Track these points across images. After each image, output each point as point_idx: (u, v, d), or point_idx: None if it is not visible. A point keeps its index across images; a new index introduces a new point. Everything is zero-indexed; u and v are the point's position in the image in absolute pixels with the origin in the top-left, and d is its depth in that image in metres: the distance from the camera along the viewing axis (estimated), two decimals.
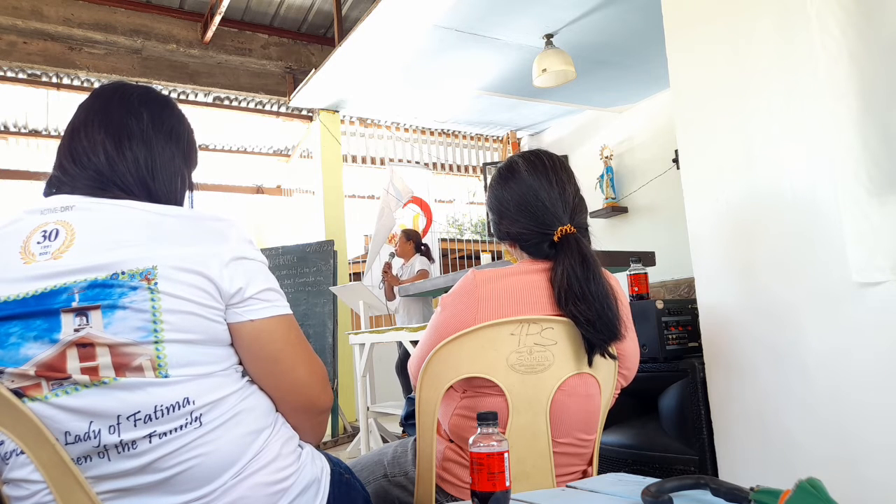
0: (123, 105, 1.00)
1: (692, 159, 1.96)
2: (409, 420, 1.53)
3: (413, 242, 5.13)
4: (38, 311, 0.83)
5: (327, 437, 4.82)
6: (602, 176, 6.05)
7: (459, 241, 8.57)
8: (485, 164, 7.18)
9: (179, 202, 1.04)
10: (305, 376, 0.98)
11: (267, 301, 0.94)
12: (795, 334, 1.66)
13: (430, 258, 5.19)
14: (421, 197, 6.36)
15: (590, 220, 1.35)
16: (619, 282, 1.34)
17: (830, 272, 1.58)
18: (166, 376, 0.85)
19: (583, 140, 6.60)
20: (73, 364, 0.83)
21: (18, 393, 0.84)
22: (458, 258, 7.86)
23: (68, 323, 0.83)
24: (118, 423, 0.83)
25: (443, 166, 7.13)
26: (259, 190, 7.65)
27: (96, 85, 5.27)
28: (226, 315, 0.91)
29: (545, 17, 4.36)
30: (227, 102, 6.02)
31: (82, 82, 5.30)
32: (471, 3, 4.09)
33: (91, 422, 0.83)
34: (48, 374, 0.83)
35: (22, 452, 0.83)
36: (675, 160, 5.05)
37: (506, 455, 0.89)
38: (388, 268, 4.96)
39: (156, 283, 0.85)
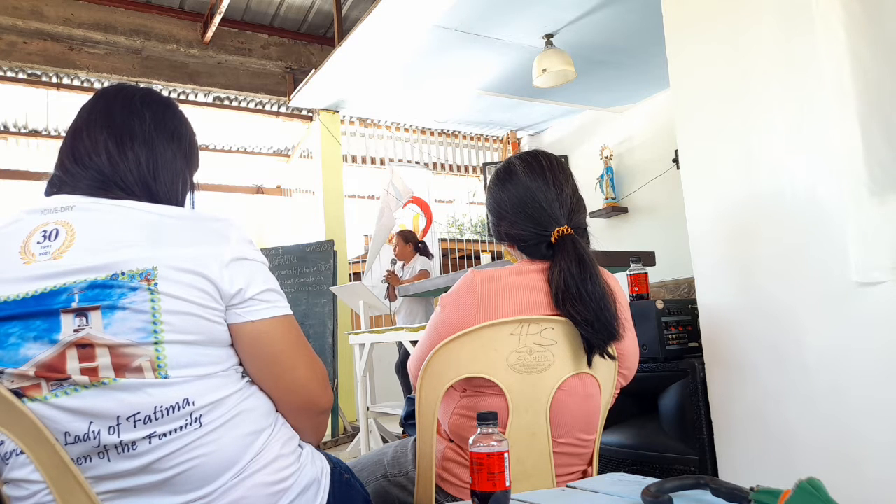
0: (126, 106, 1.00)
1: (692, 159, 1.96)
2: (409, 420, 1.53)
3: (412, 244, 5.13)
4: (38, 311, 0.83)
5: (327, 437, 4.82)
6: (602, 176, 6.05)
7: (459, 241, 8.58)
8: (485, 164, 7.19)
9: (181, 203, 1.04)
10: (305, 377, 0.98)
11: (267, 302, 0.94)
12: (795, 334, 1.66)
13: (429, 255, 5.20)
14: (421, 197, 6.36)
15: (589, 220, 1.35)
16: (619, 282, 1.34)
17: (831, 272, 1.58)
18: (166, 377, 0.85)
19: (583, 140, 6.60)
20: (72, 365, 0.83)
21: (18, 393, 0.84)
22: (458, 258, 7.87)
23: (68, 323, 0.83)
24: (118, 424, 0.83)
25: (443, 166, 7.13)
26: (259, 190, 7.65)
27: (96, 85, 5.28)
28: (226, 316, 0.91)
29: (545, 17, 4.36)
30: (227, 102, 6.02)
31: (82, 82, 5.30)
32: (471, 3, 4.09)
33: (91, 422, 0.83)
34: (48, 375, 0.83)
35: (22, 452, 0.83)
36: (675, 160, 5.05)
37: (506, 455, 0.89)
38: (391, 274, 4.98)
39: (156, 284, 0.85)
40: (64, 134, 1.01)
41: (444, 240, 7.39)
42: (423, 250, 5.19)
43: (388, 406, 4.26)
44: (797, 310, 1.66)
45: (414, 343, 3.32)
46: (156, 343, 0.84)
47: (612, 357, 1.24)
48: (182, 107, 1.09)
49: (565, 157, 6.53)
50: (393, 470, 1.37)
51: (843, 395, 1.56)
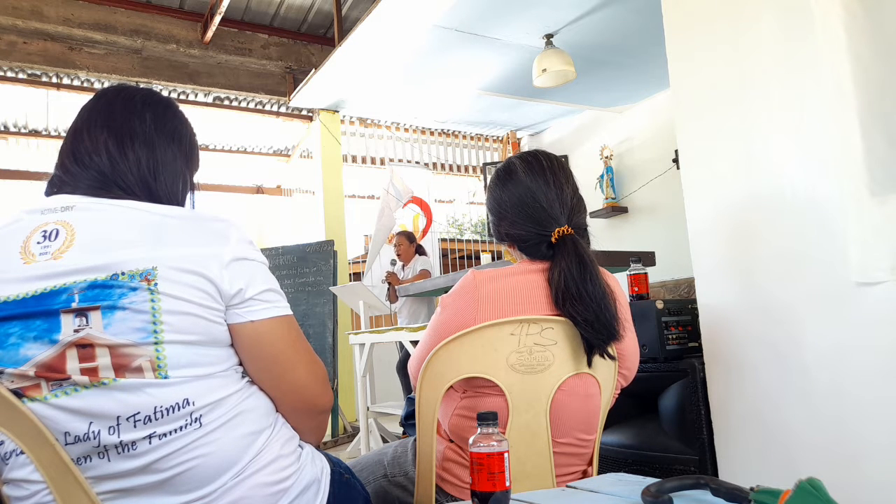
0: (126, 106, 1.00)
1: (692, 159, 1.96)
2: (409, 420, 1.53)
3: (414, 244, 5.17)
4: (38, 311, 0.83)
5: (327, 437, 4.82)
6: (602, 176, 6.05)
7: (459, 241, 8.58)
8: (485, 164, 7.19)
9: (181, 203, 1.04)
10: (305, 377, 0.98)
11: (267, 302, 0.94)
12: (795, 334, 1.66)
13: (426, 254, 5.23)
14: (421, 197, 6.36)
15: (589, 220, 1.35)
16: (619, 282, 1.34)
17: (830, 271, 1.58)
18: (166, 377, 0.85)
19: (583, 140, 6.60)
20: (72, 365, 0.83)
21: (18, 393, 0.84)
22: (458, 258, 7.87)
23: (68, 323, 0.83)
24: (118, 424, 0.83)
25: (443, 166, 7.13)
26: (259, 190, 7.65)
27: (96, 85, 5.27)
28: (226, 316, 0.91)
29: (545, 17, 4.36)
30: (227, 102, 6.02)
31: (82, 82, 5.30)
32: (471, 3, 4.09)
33: (91, 422, 0.83)
34: (48, 375, 0.83)
35: (22, 452, 0.83)
36: (675, 160, 5.05)
37: (506, 455, 0.89)
38: (391, 276, 4.98)
39: (156, 284, 0.85)
40: (64, 134, 1.01)
41: (444, 240, 7.39)
42: (422, 250, 5.21)
43: (388, 406, 4.26)
44: (797, 310, 1.66)
45: (414, 343, 3.32)
46: (156, 343, 0.84)
47: (612, 357, 1.24)
48: (182, 107, 1.09)
49: (565, 157, 6.53)
50: (393, 470, 1.37)
51: (844, 394, 1.56)
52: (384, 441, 4.09)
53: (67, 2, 5.15)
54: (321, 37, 6.22)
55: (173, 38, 5.56)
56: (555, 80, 4.65)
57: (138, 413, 0.84)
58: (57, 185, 0.96)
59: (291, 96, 5.75)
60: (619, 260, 2.36)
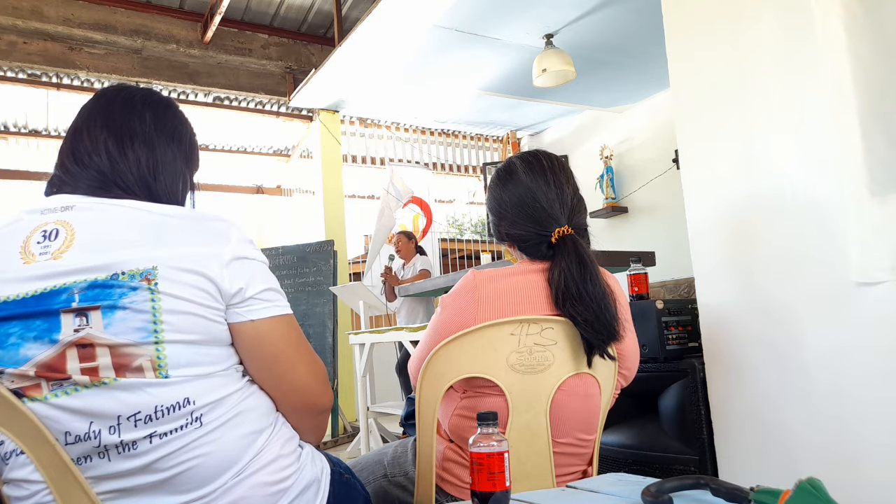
0: (126, 106, 1.00)
1: (692, 159, 1.96)
2: (409, 420, 1.53)
3: (413, 241, 5.17)
4: (38, 311, 0.83)
5: (327, 437, 4.82)
6: (602, 176, 6.05)
7: (459, 241, 8.58)
8: (485, 164, 7.19)
9: (181, 203, 1.04)
10: (306, 376, 0.98)
11: (267, 301, 0.94)
12: (795, 334, 1.66)
13: (424, 253, 5.24)
14: (421, 197, 6.36)
15: (589, 220, 1.35)
16: (619, 282, 1.34)
17: (830, 272, 1.58)
18: (166, 377, 0.85)
19: (583, 140, 6.60)
20: (72, 364, 0.83)
21: (18, 393, 0.84)
22: (458, 258, 7.87)
23: (68, 323, 0.83)
24: (118, 424, 0.83)
25: (443, 166, 7.13)
26: (259, 190, 7.65)
27: (96, 85, 5.27)
28: (226, 315, 0.91)
29: (545, 17, 4.37)
30: (227, 102, 6.02)
31: (82, 82, 5.30)
32: (471, 3, 4.09)
33: (91, 422, 0.83)
34: (48, 375, 0.83)
35: (22, 452, 0.83)
36: (675, 160, 5.05)
37: (506, 455, 0.89)
38: (388, 271, 4.97)
39: (156, 284, 0.85)
40: (64, 134, 1.01)
41: (444, 240, 7.39)
42: (421, 251, 5.22)
43: (388, 406, 4.26)
44: (797, 309, 1.66)
45: (414, 343, 3.32)
46: (156, 343, 0.84)
47: (612, 357, 1.24)
48: (182, 107, 1.09)
49: (565, 157, 6.53)
50: (393, 470, 1.37)
51: (843, 394, 1.56)
52: (384, 441, 4.09)
53: (67, 2, 5.15)
54: (321, 37, 6.22)
55: (173, 38, 5.57)
56: (555, 80, 4.65)
57: (139, 412, 0.84)
58: (57, 184, 0.96)
59: (291, 96, 5.76)
60: (619, 260, 2.36)
